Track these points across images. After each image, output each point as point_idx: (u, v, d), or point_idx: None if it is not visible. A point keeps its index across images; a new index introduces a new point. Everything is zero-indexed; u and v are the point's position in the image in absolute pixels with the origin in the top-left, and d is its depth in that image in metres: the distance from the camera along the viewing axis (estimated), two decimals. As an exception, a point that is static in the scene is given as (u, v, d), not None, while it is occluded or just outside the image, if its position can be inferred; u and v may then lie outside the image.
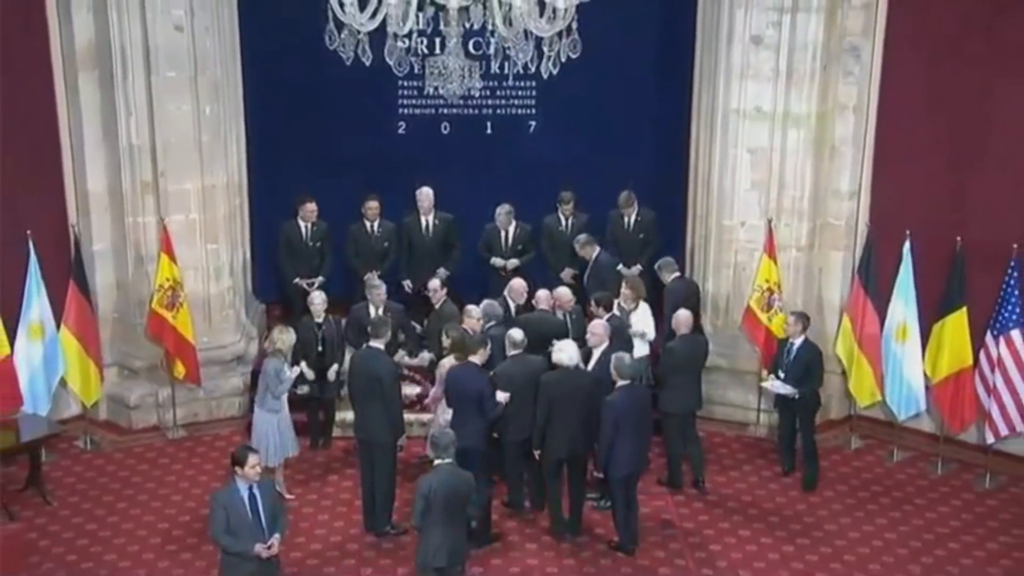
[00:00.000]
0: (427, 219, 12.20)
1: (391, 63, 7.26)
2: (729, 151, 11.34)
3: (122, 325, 11.49)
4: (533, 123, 13.06)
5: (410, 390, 11.05)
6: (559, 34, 7.16)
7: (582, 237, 11.78)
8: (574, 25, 7.16)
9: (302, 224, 12.01)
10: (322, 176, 12.62)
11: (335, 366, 10.89)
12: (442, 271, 12.00)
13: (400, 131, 13.04)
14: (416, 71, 7.71)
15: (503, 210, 12.12)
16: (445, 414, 9.61)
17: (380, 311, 10.80)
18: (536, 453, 9.63)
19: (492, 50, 7.77)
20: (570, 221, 12.27)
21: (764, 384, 10.93)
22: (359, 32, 6.99)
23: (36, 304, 10.50)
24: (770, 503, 10.41)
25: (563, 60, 7.33)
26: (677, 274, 11.51)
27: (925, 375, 10.86)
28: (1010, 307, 10.25)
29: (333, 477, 10.77)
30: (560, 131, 12.89)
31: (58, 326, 10.69)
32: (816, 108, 11.07)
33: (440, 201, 12.18)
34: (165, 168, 10.95)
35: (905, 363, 10.89)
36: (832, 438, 11.49)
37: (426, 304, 11.47)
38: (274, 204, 12.38)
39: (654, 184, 12.66)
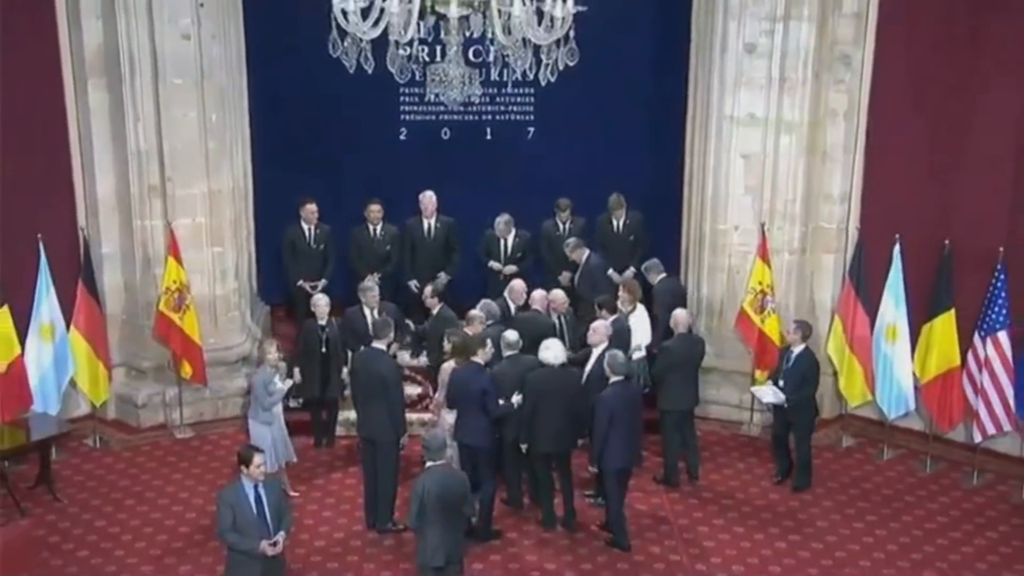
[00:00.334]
0: (429, 222, 12.23)
1: (393, 70, 7.27)
2: (723, 157, 11.35)
3: (130, 326, 11.50)
4: (531, 129, 13.08)
5: (411, 390, 11.09)
6: (557, 42, 7.18)
7: (571, 240, 11.81)
8: (571, 34, 7.17)
9: (305, 227, 12.03)
10: (325, 180, 12.64)
11: (344, 368, 10.88)
12: (443, 276, 12.05)
13: (402, 137, 13.07)
14: (417, 78, 7.74)
15: (502, 220, 12.14)
16: (449, 416, 9.62)
17: (376, 313, 10.80)
18: (523, 447, 9.67)
19: (492, 58, 7.79)
20: (567, 226, 12.29)
21: (753, 389, 10.92)
22: (362, 40, 7.00)
23: (46, 306, 10.50)
24: (763, 500, 10.42)
25: (561, 68, 7.35)
26: (664, 275, 11.55)
27: (914, 375, 10.87)
28: (997, 308, 10.27)
29: (336, 475, 10.78)
30: (558, 137, 12.91)
31: (68, 327, 10.69)
32: (808, 115, 11.10)
33: (440, 205, 12.21)
34: (172, 173, 10.95)
35: (895, 363, 10.90)
36: (823, 437, 11.48)
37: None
38: (278, 208, 12.38)
39: (650, 189, 12.69)
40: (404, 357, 11.00)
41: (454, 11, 6.94)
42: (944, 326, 10.60)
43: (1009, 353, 10.28)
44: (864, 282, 10.99)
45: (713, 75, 11.25)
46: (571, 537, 9.74)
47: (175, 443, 11.36)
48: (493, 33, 7.14)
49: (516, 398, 9.43)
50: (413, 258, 12.25)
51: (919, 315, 10.76)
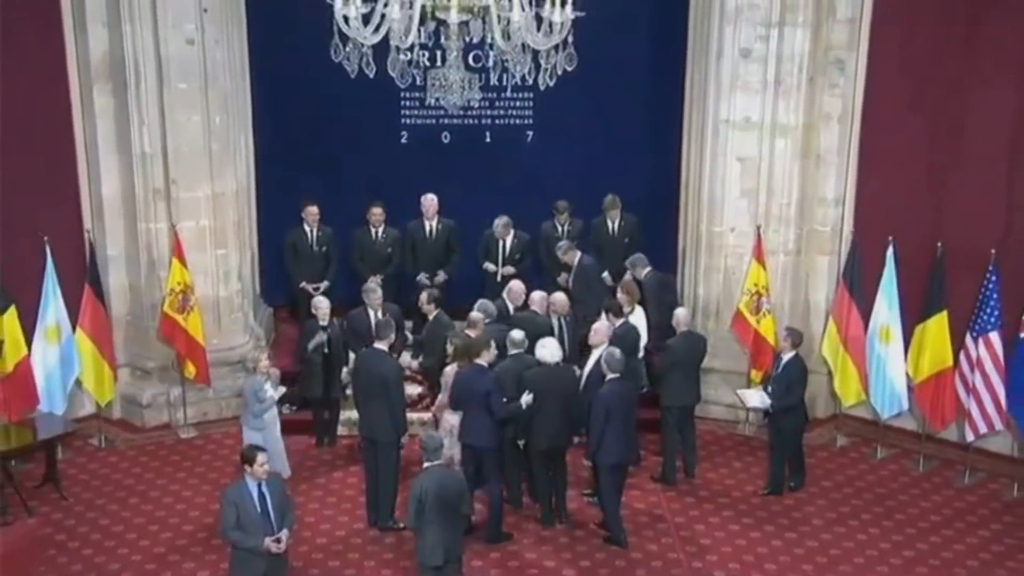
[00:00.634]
0: (431, 224, 12.24)
1: (394, 75, 7.27)
2: (719, 160, 11.35)
3: (135, 327, 11.49)
4: (530, 133, 13.08)
5: (412, 390, 11.07)
6: (555, 48, 7.17)
7: (563, 243, 11.81)
8: (570, 39, 7.17)
9: (308, 230, 12.04)
10: (327, 183, 12.64)
11: (345, 368, 10.87)
12: (442, 273, 12.07)
13: (402, 140, 13.06)
14: (418, 83, 7.72)
15: (500, 222, 12.13)
16: (452, 418, 9.60)
17: (379, 314, 10.79)
18: (520, 444, 9.69)
19: (491, 63, 7.79)
20: (566, 228, 12.29)
21: (739, 392, 10.87)
22: (363, 45, 6.99)
23: (52, 307, 10.49)
24: (758, 499, 10.40)
25: (559, 72, 7.34)
26: (649, 268, 11.55)
27: (907, 375, 10.86)
28: (989, 310, 10.25)
29: (338, 474, 10.77)
30: (556, 140, 12.91)
31: (74, 328, 10.68)
32: (803, 118, 11.10)
33: (440, 207, 12.22)
34: (176, 176, 10.95)
35: (888, 364, 10.89)
36: (818, 436, 11.49)
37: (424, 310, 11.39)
38: (281, 211, 12.39)
39: (647, 191, 12.70)
40: (406, 358, 10.97)
41: (454, 17, 6.94)
42: (937, 327, 10.59)
43: (1000, 353, 10.27)
44: (858, 284, 10.98)
45: (709, 79, 11.25)
46: (569, 535, 9.73)
47: (179, 442, 11.35)
48: (492, 38, 7.14)
49: (527, 398, 9.36)
50: (415, 259, 12.25)
51: (912, 316, 10.75)
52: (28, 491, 10.12)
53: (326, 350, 10.89)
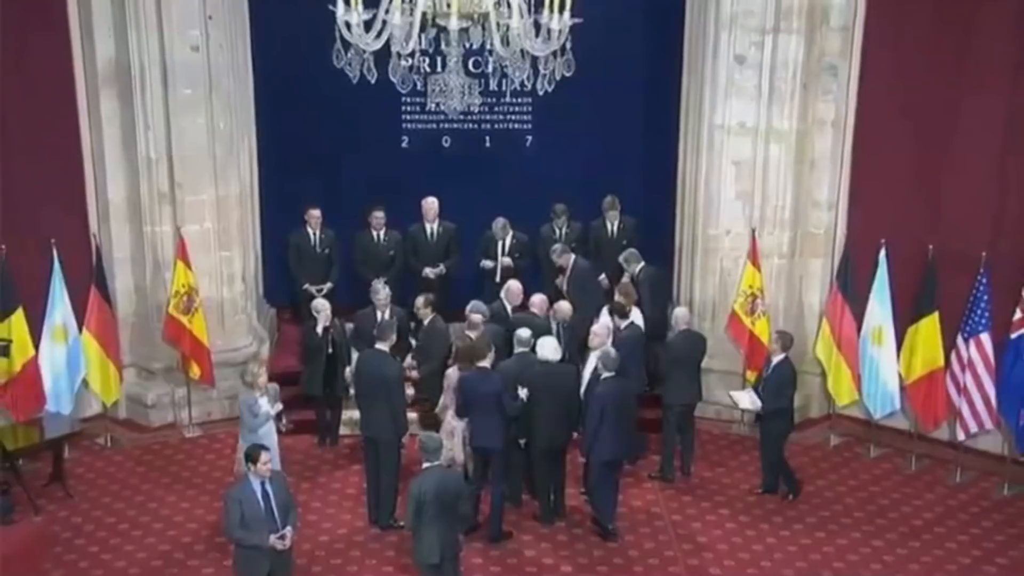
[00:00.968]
0: (431, 227, 12.23)
1: (395, 81, 7.25)
2: (715, 164, 11.35)
3: (140, 329, 11.48)
4: (529, 137, 13.08)
5: (412, 391, 11.03)
6: (554, 53, 7.16)
7: (558, 247, 11.79)
8: (568, 45, 7.16)
9: (310, 232, 12.04)
10: (329, 187, 12.65)
11: (348, 369, 10.87)
12: (442, 267, 12.10)
13: (403, 145, 13.06)
14: (419, 88, 7.71)
15: (499, 224, 12.12)
16: (454, 421, 9.59)
17: (386, 314, 10.78)
18: (522, 443, 9.69)
19: (491, 68, 7.76)
20: (564, 231, 12.28)
21: (731, 393, 10.85)
22: (365, 51, 6.98)
23: (59, 308, 10.48)
24: (754, 497, 10.40)
25: (558, 78, 7.33)
26: (643, 264, 11.55)
27: (900, 376, 10.87)
28: (979, 311, 10.26)
29: (340, 473, 10.77)
30: (555, 145, 12.91)
31: (80, 329, 10.68)
32: (797, 124, 11.10)
33: (441, 210, 12.22)
34: (181, 180, 10.95)
35: (881, 364, 10.90)
36: (812, 435, 11.50)
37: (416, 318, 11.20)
38: (284, 213, 12.40)
39: (644, 194, 12.69)
40: (409, 360, 10.93)
41: (454, 23, 6.93)
42: (928, 328, 10.59)
43: (991, 354, 10.28)
44: (851, 286, 10.99)
45: (705, 85, 11.26)
46: (568, 532, 9.73)
47: (184, 442, 11.35)
48: (492, 45, 7.13)
49: (523, 392, 9.37)
50: (416, 262, 12.23)
51: (904, 318, 10.76)
52: (36, 489, 10.11)
53: (329, 350, 10.88)
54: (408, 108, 12.76)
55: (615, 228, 12.33)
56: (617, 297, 10.90)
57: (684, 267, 12.02)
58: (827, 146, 11.31)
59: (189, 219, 11.05)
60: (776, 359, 10.22)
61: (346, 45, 7.00)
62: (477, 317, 10.31)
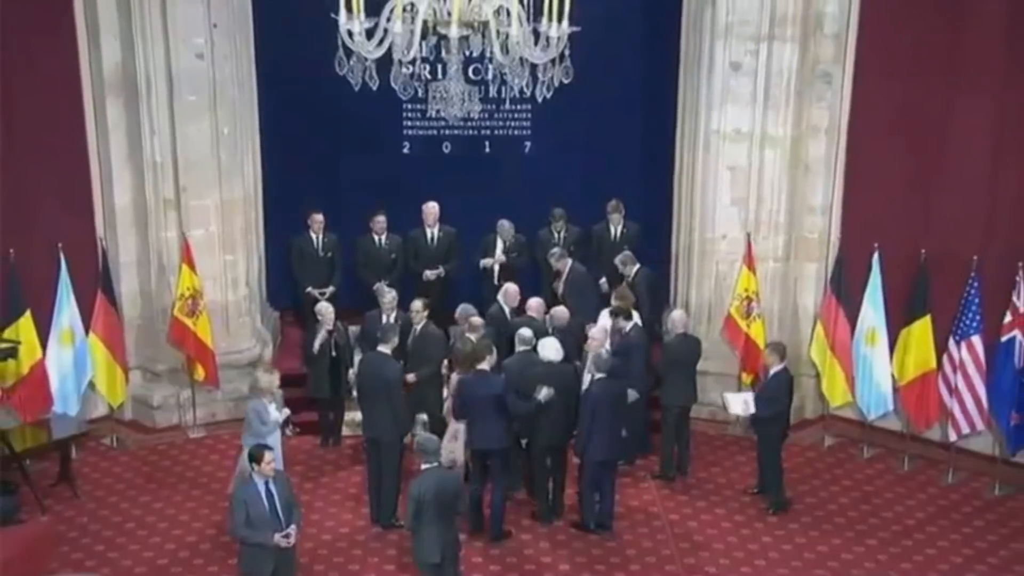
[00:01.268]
0: (432, 231, 12.24)
1: (396, 88, 7.26)
2: (711, 169, 11.37)
3: (146, 331, 11.50)
4: (528, 143, 13.08)
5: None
6: (552, 61, 7.17)
7: (556, 251, 11.80)
8: (566, 53, 7.18)
9: (313, 236, 12.04)
10: (332, 192, 12.66)
11: (351, 370, 10.88)
12: (441, 269, 12.09)
13: (405, 151, 13.06)
14: (420, 95, 7.73)
15: (504, 226, 12.18)
16: (455, 423, 9.60)
17: (391, 317, 10.78)
18: (523, 442, 9.72)
19: (490, 76, 7.80)
20: (562, 235, 12.30)
21: (725, 395, 10.81)
22: (367, 59, 6.99)
23: (67, 312, 10.52)
24: (749, 497, 10.41)
25: (556, 85, 7.34)
26: (638, 266, 11.59)
27: (893, 377, 10.89)
28: (971, 314, 10.29)
29: (342, 473, 10.78)
30: (553, 151, 12.92)
31: (87, 332, 10.71)
32: (791, 130, 11.13)
33: (441, 215, 12.22)
34: (186, 185, 10.97)
35: (874, 366, 10.92)
36: (807, 436, 11.51)
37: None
38: (287, 218, 12.39)
39: (641, 199, 12.70)
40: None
41: (455, 31, 6.94)
42: (921, 331, 10.63)
43: (982, 356, 10.31)
44: (845, 289, 11.01)
45: (701, 92, 11.28)
46: (567, 531, 9.74)
47: (188, 442, 11.36)
48: (492, 52, 7.14)
49: (546, 391, 9.30)
50: (417, 265, 12.24)
51: (897, 320, 10.78)
52: (43, 489, 10.14)
53: (333, 353, 10.90)
54: (409, 114, 12.78)
55: (618, 232, 12.33)
56: (614, 301, 10.91)
57: (681, 271, 12.03)
58: (821, 152, 11.33)
59: (194, 223, 11.07)
60: (774, 369, 10.05)
61: (348, 53, 7.01)
62: (477, 319, 10.34)
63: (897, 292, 10.73)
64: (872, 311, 10.86)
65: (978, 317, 10.27)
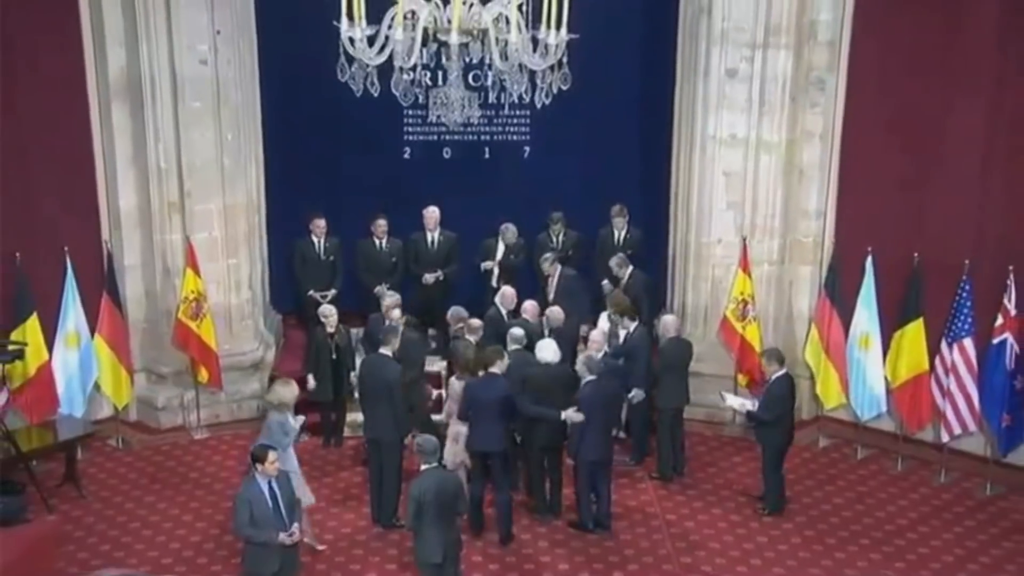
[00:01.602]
0: (432, 235, 12.24)
1: (397, 94, 7.27)
2: (707, 174, 11.38)
3: (151, 334, 11.49)
4: (527, 149, 13.08)
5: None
6: (551, 68, 7.18)
7: (548, 256, 11.79)
8: (565, 59, 7.19)
9: (315, 240, 12.05)
10: (333, 196, 12.64)
11: (353, 372, 10.86)
12: (440, 273, 12.08)
13: (405, 156, 13.06)
14: (420, 101, 7.72)
15: (509, 230, 12.17)
16: (457, 425, 9.59)
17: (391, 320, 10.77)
18: (518, 439, 9.72)
19: (490, 82, 7.78)
20: (560, 239, 12.31)
21: (723, 393, 10.84)
22: (368, 66, 7.00)
23: (72, 314, 10.52)
24: (745, 497, 10.42)
25: (555, 91, 7.35)
26: (631, 268, 11.59)
27: (886, 379, 10.90)
28: (962, 317, 10.30)
29: (344, 473, 10.78)
30: (552, 156, 12.92)
31: (92, 334, 10.71)
32: (786, 135, 11.14)
33: (441, 220, 12.22)
34: (190, 189, 10.97)
35: (868, 368, 10.93)
36: (801, 437, 11.45)
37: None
38: (289, 222, 12.39)
39: (638, 204, 12.69)
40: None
41: (455, 38, 6.96)
42: (914, 333, 10.63)
43: (974, 359, 10.32)
44: (839, 292, 11.02)
45: (697, 98, 11.29)
46: (565, 530, 9.74)
47: (192, 443, 11.36)
48: (491, 59, 7.15)
49: (577, 416, 9.22)
50: (417, 268, 12.24)
51: (890, 323, 10.79)
52: (49, 489, 10.14)
53: (334, 355, 10.89)
54: (410, 120, 12.78)
55: (621, 236, 12.32)
56: (609, 308, 10.91)
57: (677, 274, 12.03)
58: (815, 157, 11.34)
59: (198, 227, 11.07)
60: (776, 375, 9.96)
61: (350, 60, 7.02)
62: (476, 321, 10.34)
63: (890, 295, 10.74)
64: (866, 314, 10.87)
65: (970, 320, 10.28)
